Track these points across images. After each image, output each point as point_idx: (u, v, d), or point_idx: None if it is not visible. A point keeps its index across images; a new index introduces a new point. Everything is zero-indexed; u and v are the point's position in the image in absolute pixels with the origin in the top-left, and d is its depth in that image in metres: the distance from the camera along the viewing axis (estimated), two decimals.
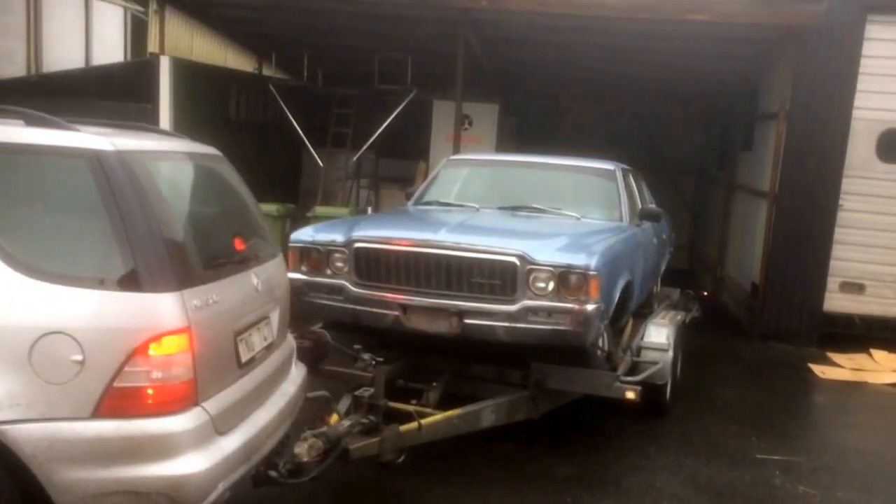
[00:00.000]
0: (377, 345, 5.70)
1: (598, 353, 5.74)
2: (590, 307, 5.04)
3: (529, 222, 6.36)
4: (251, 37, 12.67)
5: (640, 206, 7.27)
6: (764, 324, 9.71)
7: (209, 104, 11.63)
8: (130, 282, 3.18)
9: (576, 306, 5.04)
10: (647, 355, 6.32)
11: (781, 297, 9.64)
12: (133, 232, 3.24)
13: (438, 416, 5.00)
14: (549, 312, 5.10)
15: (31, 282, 3.13)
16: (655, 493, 5.12)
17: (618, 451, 5.80)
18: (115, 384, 3.11)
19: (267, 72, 13.51)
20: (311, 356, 5.28)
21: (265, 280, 4.12)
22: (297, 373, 4.58)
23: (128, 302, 3.16)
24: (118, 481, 3.12)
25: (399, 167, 13.65)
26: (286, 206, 11.10)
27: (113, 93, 11.09)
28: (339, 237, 5.57)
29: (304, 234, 5.73)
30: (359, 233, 5.54)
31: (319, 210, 10.95)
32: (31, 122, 3.43)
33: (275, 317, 4.28)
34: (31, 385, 3.07)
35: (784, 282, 9.61)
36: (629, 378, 5.63)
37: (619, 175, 7.07)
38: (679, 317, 7.32)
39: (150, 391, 3.17)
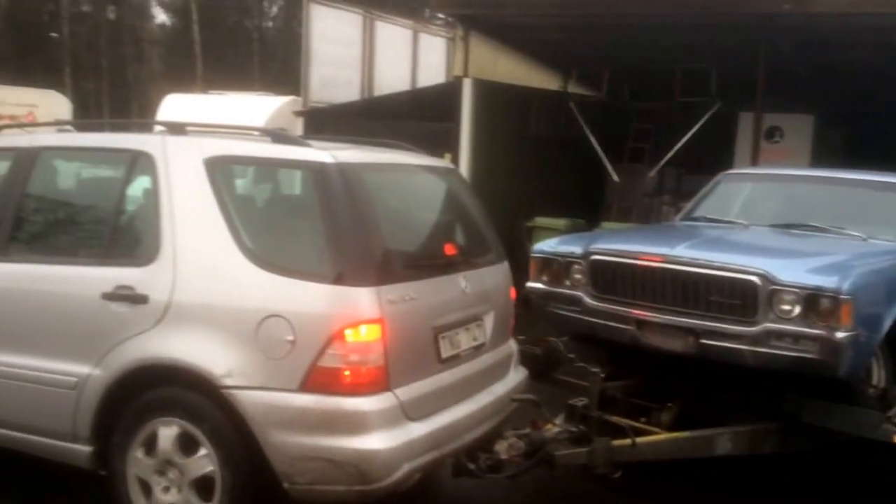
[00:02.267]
0: (613, 360, 5.70)
1: (869, 389, 5.22)
2: (840, 335, 4.62)
3: (796, 241, 5.93)
4: (553, 56, 13.07)
5: None
6: None
7: (508, 122, 12.18)
8: (335, 276, 3.62)
9: (824, 333, 4.65)
10: None
11: None
12: (341, 234, 3.70)
13: (661, 436, 4.89)
14: (795, 338, 4.75)
15: (262, 272, 3.69)
16: None
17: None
18: (318, 363, 3.56)
19: (571, 88, 13.83)
20: (541, 364, 5.47)
21: (477, 284, 4.39)
22: (514, 377, 4.79)
23: (332, 293, 3.60)
24: (316, 449, 3.55)
25: (703, 183, 13.15)
26: (574, 221, 11.29)
27: (424, 113, 12.04)
28: (577, 249, 5.66)
29: (546, 246, 5.91)
30: (596, 245, 5.60)
31: (606, 225, 11.01)
32: (276, 139, 4.02)
33: (489, 320, 4.52)
34: (255, 358, 3.61)
35: None
36: None
37: None
38: None
39: (346, 373, 3.57)
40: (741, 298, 4.90)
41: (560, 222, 10.93)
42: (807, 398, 5.06)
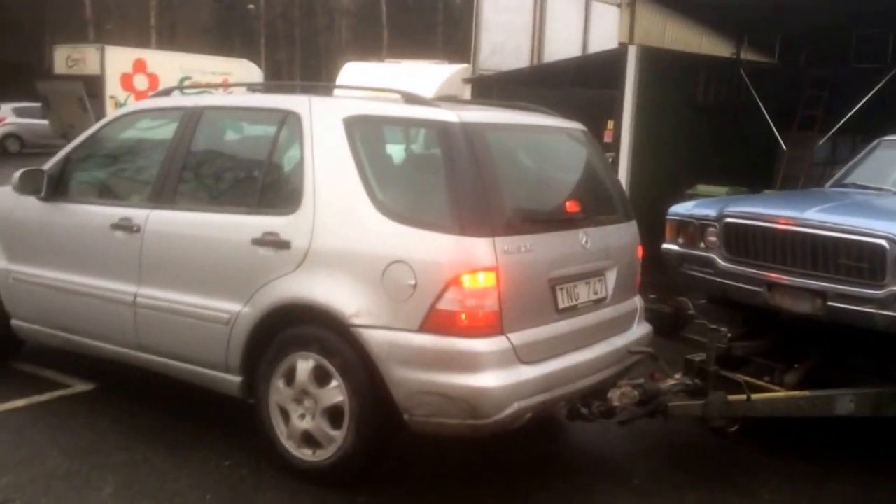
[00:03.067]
0: (745, 322, 5.74)
1: None
2: None
3: None
4: (724, 21, 12.74)
5: None
6: None
7: (674, 89, 12.01)
8: (454, 227, 3.96)
9: None
10: None
11: None
12: (461, 188, 4.03)
13: (779, 393, 4.94)
14: None
15: (389, 222, 4.08)
16: None
17: None
18: (437, 306, 3.92)
19: (743, 55, 13.42)
20: (669, 322, 5.61)
21: (599, 241, 4.61)
22: (637, 331, 4.97)
23: (450, 242, 3.95)
24: (433, 384, 3.92)
25: None
26: (736, 189, 11.05)
27: (590, 81, 12.10)
28: (712, 212, 5.73)
29: (682, 208, 6.00)
30: (730, 208, 5.64)
31: (702, 187, 10.72)
32: (408, 100, 4.40)
33: (611, 276, 4.74)
34: (380, 300, 4.02)
35: None
36: None
37: None
38: None
39: (462, 316, 3.91)
40: (869, 262, 4.85)
41: (721, 189, 10.75)
42: None
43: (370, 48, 33.68)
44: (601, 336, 4.63)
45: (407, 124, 4.40)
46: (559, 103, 12.63)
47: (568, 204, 4.57)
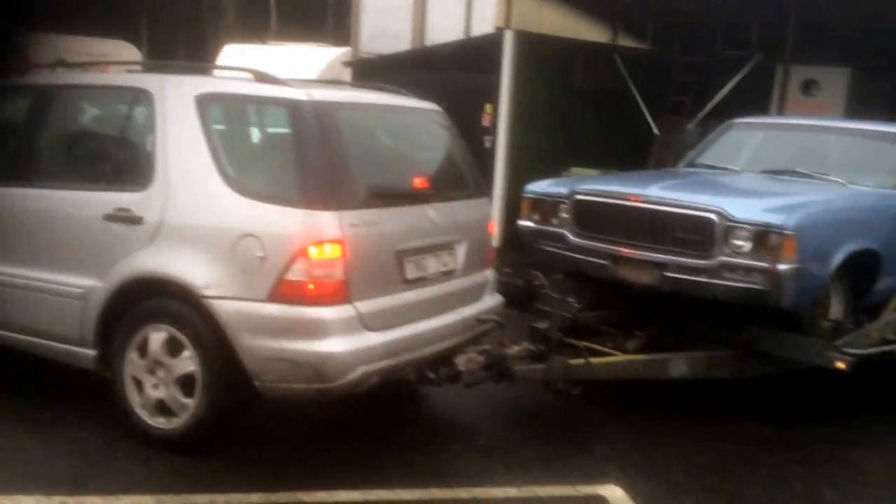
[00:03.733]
0: (598, 294, 6.11)
1: (824, 321, 5.53)
2: (783, 267, 4.96)
3: (773, 185, 6.26)
4: (598, 7, 13.17)
5: None
6: None
7: (551, 74, 12.40)
8: (302, 201, 4.13)
9: (769, 266, 4.99)
10: None
11: None
12: (309, 164, 4.20)
13: (618, 357, 5.32)
14: (746, 270, 5.11)
15: (239, 197, 4.22)
16: (851, 470, 4.86)
17: (841, 426, 5.50)
18: (285, 277, 4.08)
19: (621, 41, 13.90)
20: (521, 294, 5.92)
21: (448, 216, 4.85)
22: (487, 302, 5.24)
23: (298, 215, 4.12)
24: (281, 351, 4.09)
25: None
26: (608, 172, 11.52)
27: (468, 65, 12.36)
28: (564, 190, 6.06)
29: (537, 187, 6.30)
30: (580, 186, 5.98)
31: (575, 170, 11.22)
32: (259, 78, 4.52)
33: (461, 249, 4.99)
34: (230, 272, 4.16)
35: None
36: (854, 350, 5.33)
37: None
38: None
39: (310, 286, 4.09)
40: (701, 234, 5.26)
41: (594, 172, 11.18)
42: (762, 327, 5.39)
43: (258, 30, 33.07)
44: (450, 306, 4.88)
45: (258, 102, 4.53)
46: (439, 87, 12.83)
47: (416, 180, 4.79)
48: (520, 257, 6.60)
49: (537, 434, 5.07)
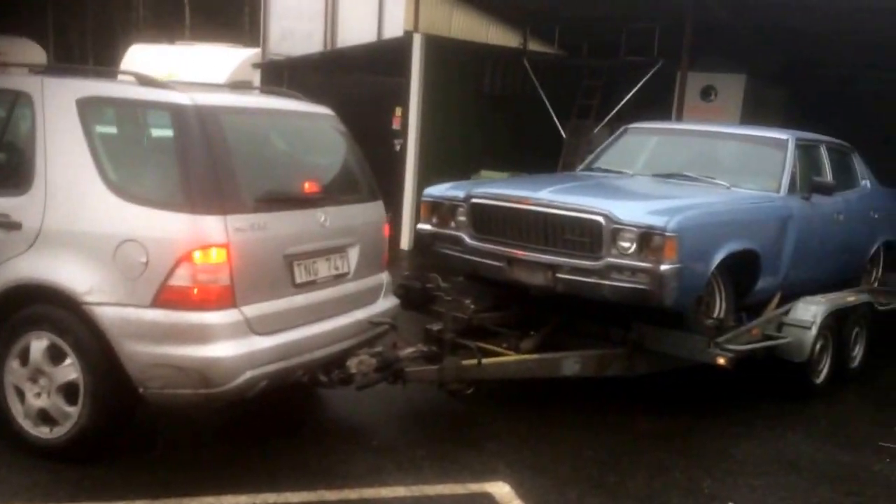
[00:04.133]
0: (497, 296, 6.24)
1: (708, 319, 5.76)
2: (664, 268, 5.15)
3: (661, 188, 6.50)
4: (508, 12, 13.37)
5: (817, 179, 6.87)
6: None
7: (461, 78, 12.53)
8: (186, 206, 4.11)
9: (651, 266, 5.18)
10: (787, 332, 6.15)
11: None
12: (192, 168, 4.19)
13: (510, 358, 5.44)
14: (631, 271, 5.29)
15: (121, 202, 4.17)
16: (729, 461, 5.08)
17: (724, 420, 5.73)
18: (168, 282, 4.06)
19: (534, 46, 14.12)
20: (419, 296, 5.99)
21: (340, 220, 4.88)
22: (382, 305, 5.29)
23: (181, 220, 4.10)
24: (165, 357, 4.07)
25: None
26: (517, 174, 11.71)
27: (380, 67, 12.38)
28: (460, 193, 6.15)
29: (435, 190, 6.39)
30: (476, 190, 6.09)
31: (485, 173, 11.44)
32: (142, 82, 4.48)
33: (354, 252, 5.03)
34: (113, 278, 4.11)
35: None
36: (734, 346, 5.57)
37: (790, 145, 6.79)
38: (853, 298, 6.85)
39: (195, 290, 4.07)
40: (589, 236, 5.42)
41: (503, 175, 11.35)
42: (650, 326, 5.59)
43: (171, 29, 32.37)
44: (343, 309, 4.91)
45: (141, 106, 4.48)
46: (350, 89, 12.88)
47: (307, 184, 4.81)
48: (424, 260, 6.68)
49: (431, 434, 5.15)
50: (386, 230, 5.47)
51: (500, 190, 6.06)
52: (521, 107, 13.39)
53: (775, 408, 6.06)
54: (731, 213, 5.88)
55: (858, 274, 7.78)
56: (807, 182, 6.70)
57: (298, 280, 4.59)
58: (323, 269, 4.79)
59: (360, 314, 5.02)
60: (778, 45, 12.53)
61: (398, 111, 12.04)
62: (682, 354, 5.59)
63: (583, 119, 13.24)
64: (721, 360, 5.40)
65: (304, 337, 4.53)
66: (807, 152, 7.01)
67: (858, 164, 7.88)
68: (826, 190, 6.75)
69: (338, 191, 5.05)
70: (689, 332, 5.59)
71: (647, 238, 5.23)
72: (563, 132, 12.98)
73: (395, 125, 12.01)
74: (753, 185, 6.52)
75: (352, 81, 12.36)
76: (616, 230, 5.32)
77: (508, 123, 13.07)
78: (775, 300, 6.42)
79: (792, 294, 6.47)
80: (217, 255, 4.10)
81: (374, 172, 9.61)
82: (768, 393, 6.28)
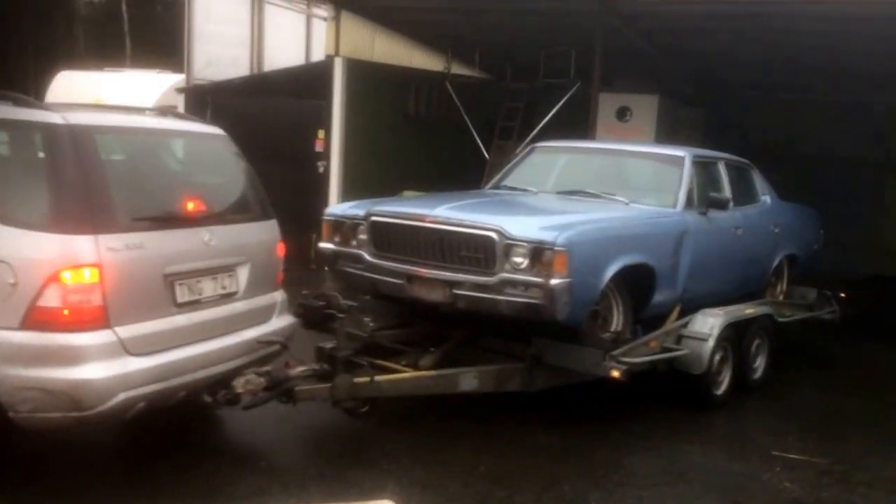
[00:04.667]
0: (401, 313, 6.24)
1: (605, 333, 5.83)
2: (555, 282, 5.19)
3: (560, 204, 6.60)
4: (430, 36, 13.51)
5: (713, 195, 7.02)
6: None
7: (386, 101, 12.58)
8: (56, 226, 4.04)
9: (542, 280, 5.22)
10: (686, 344, 6.25)
11: None
12: (64, 188, 4.12)
13: (405, 375, 5.42)
14: (524, 286, 5.33)
15: None
16: (621, 473, 5.12)
17: (622, 432, 5.79)
18: (38, 303, 3.98)
19: (459, 69, 14.24)
20: (320, 315, 5.96)
21: (227, 238, 4.85)
22: (276, 323, 5.25)
23: (51, 241, 4.03)
24: (34, 380, 3.97)
25: None
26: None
27: (300, 91, 12.40)
28: (361, 212, 6.14)
29: (337, 209, 6.38)
30: (376, 208, 6.09)
31: (407, 193, 11.50)
32: (16, 102, 4.40)
33: (243, 271, 4.99)
34: None
35: None
36: (629, 359, 5.63)
37: (687, 162, 6.94)
38: (752, 311, 7.00)
39: (65, 311, 4.00)
40: (483, 252, 5.45)
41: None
42: (548, 340, 5.63)
43: (113, 57, 32.03)
44: (231, 328, 4.87)
45: (14, 126, 4.40)
46: (274, 113, 12.84)
47: (191, 203, 4.76)
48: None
49: (324, 453, 5.11)
50: (280, 249, 5.44)
51: (398, 208, 6.08)
52: (445, 128, 13.49)
53: (675, 419, 6.14)
54: (625, 227, 5.97)
55: (762, 287, 7.96)
56: (704, 198, 6.85)
57: (180, 300, 4.53)
58: (208, 288, 4.74)
59: (250, 333, 4.98)
60: (689, 67, 12.89)
61: (321, 134, 12.04)
62: (579, 368, 5.64)
63: (505, 140, 13.39)
64: (615, 373, 5.46)
65: (186, 357, 4.47)
66: (705, 169, 7.18)
67: (759, 181, 8.09)
68: (721, 205, 6.90)
69: (226, 210, 5.02)
70: (586, 346, 5.64)
71: (539, 253, 5.28)
72: (486, 153, 13.10)
73: (319, 147, 12.01)
74: (651, 201, 6.65)
75: (275, 105, 12.34)
76: (509, 245, 5.36)
77: (433, 145, 13.16)
78: (675, 313, 6.52)
79: (692, 307, 6.59)
80: (88, 276, 4.04)
81: (298, 194, 9.57)
82: (670, 405, 6.37)
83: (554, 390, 5.92)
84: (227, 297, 4.87)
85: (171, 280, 4.47)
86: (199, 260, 4.66)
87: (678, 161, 6.96)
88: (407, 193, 11.74)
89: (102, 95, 14.41)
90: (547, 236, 5.27)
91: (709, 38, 10.94)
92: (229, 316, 4.86)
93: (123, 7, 38.75)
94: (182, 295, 4.54)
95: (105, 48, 35.92)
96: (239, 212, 5.13)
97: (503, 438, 5.54)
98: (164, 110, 5.21)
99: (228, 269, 4.89)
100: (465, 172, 14.26)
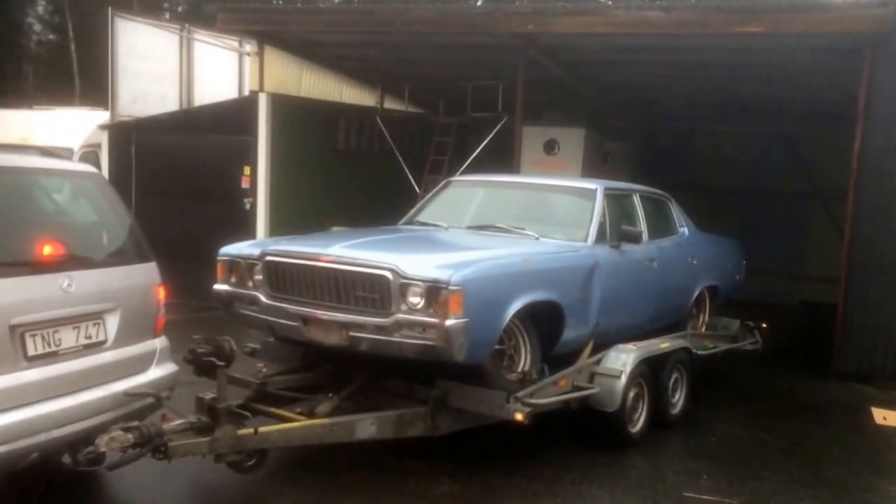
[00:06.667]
0: (304, 356, 5.95)
1: (512, 374, 5.58)
2: (450, 322, 4.94)
3: (466, 240, 6.40)
4: (358, 71, 13.37)
5: (625, 228, 6.84)
6: (842, 360, 8.71)
7: (314, 136, 12.33)
8: None
9: (438, 321, 4.96)
10: (598, 381, 6.03)
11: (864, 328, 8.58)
12: None
13: (295, 424, 5.10)
14: (420, 326, 5.06)
15: None
16: None
17: (530, 477, 5.52)
18: None
19: (391, 103, 14.09)
20: (210, 362, 5.60)
21: (92, 284, 4.51)
22: (154, 373, 4.91)
23: None
24: None
25: None
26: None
27: (225, 127, 12.08)
28: (256, 251, 5.84)
29: (232, 249, 6.05)
30: (271, 247, 5.80)
31: (336, 228, 11.26)
32: None
33: (112, 319, 4.65)
34: None
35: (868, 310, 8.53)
36: (534, 401, 5.38)
37: (598, 195, 6.77)
38: (668, 345, 6.81)
39: None
40: (378, 292, 5.18)
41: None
42: (453, 382, 5.36)
43: (63, 96, 31.58)
44: (98, 380, 4.53)
45: None
46: (199, 149, 12.51)
47: (47, 247, 4.42)
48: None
49: None
50: (160, 293, 5.11)
51: (292, 247, 5.78)
52: (376, 163, 13.30)
53: (588, 461, 5.90)
54: (528, 263, 5.73)
55: (683, 318, 7.80)
56: (616, 231, 6.67)
57: (32, 352, 4.18)
58: (69, 338, 4.39)
59: (121, 385, 4.63)
60: (616, 100, 12.90)
61: (247, 170, 11.75)
62: (483, 410, 5.38)
63: (435, 174, 13.20)
64: (519, 416, 5.20)
65: (37, 416, 4.11)
66: (618, 202, 7.02)
67: (676, 212, 7.96)
68: (634, 238, 6.73)
69: (91, 253, 4.68)
70: (491, 387, 5.38)
71: (434, 292, 5.02)
72: (417, 187, 12.91)
73: (245, 184, 11.70)
74: (562, 235, 6.45)
75: (200, 142, 12.02)
76: (404, 285, 5.10)
77: (364, 179, 12.95)
78: (588, 349, 6.31)
79: (607, 341, 6.39)
80: None
81: (225, 232, 9.18)
82: (585, 444, 6.13)
83: (467, 431, 5.64)
84: (94, 346, 4.53)
85: (20, 331, 4.12)
86: (55, 308, 4.32)
87: (590, 194, 6.80)
88: (335, 229, 11.47)
89: (29, 134, 13.97)
90: (442, 275, 5.02)
91: (628, 71, 10.96)
92: (95, 367, 4.52)
93: (72, 46, 38.38)
94: (34, 347, 4.19)
95: (54, 86, 35.38)
96: (108, 255, 4.80)
97: (403, 489, 5.24)
98: (47, 151, 4.87)
99: (94, 317, 4.55)
100: (396, 207, 14.00)
